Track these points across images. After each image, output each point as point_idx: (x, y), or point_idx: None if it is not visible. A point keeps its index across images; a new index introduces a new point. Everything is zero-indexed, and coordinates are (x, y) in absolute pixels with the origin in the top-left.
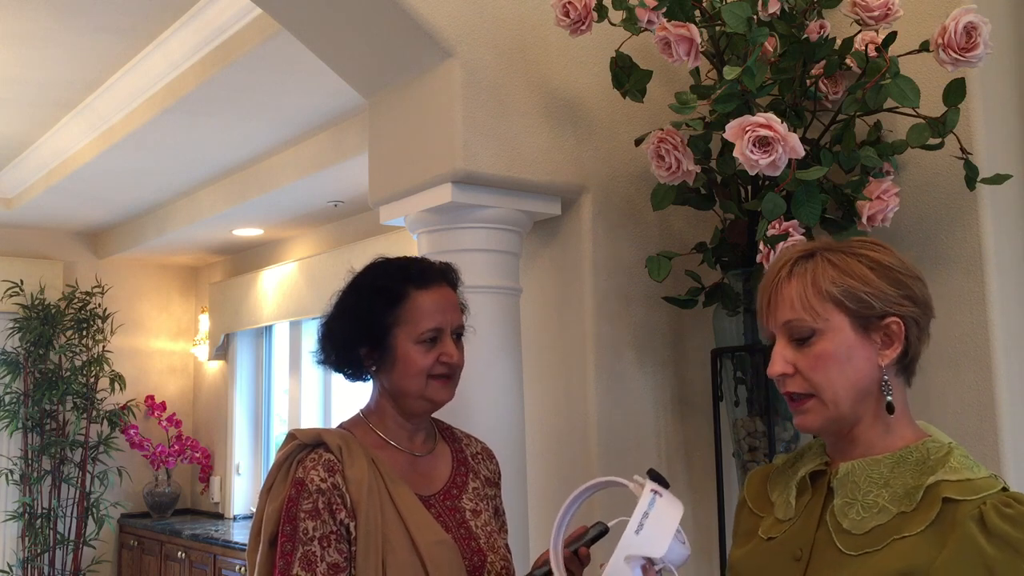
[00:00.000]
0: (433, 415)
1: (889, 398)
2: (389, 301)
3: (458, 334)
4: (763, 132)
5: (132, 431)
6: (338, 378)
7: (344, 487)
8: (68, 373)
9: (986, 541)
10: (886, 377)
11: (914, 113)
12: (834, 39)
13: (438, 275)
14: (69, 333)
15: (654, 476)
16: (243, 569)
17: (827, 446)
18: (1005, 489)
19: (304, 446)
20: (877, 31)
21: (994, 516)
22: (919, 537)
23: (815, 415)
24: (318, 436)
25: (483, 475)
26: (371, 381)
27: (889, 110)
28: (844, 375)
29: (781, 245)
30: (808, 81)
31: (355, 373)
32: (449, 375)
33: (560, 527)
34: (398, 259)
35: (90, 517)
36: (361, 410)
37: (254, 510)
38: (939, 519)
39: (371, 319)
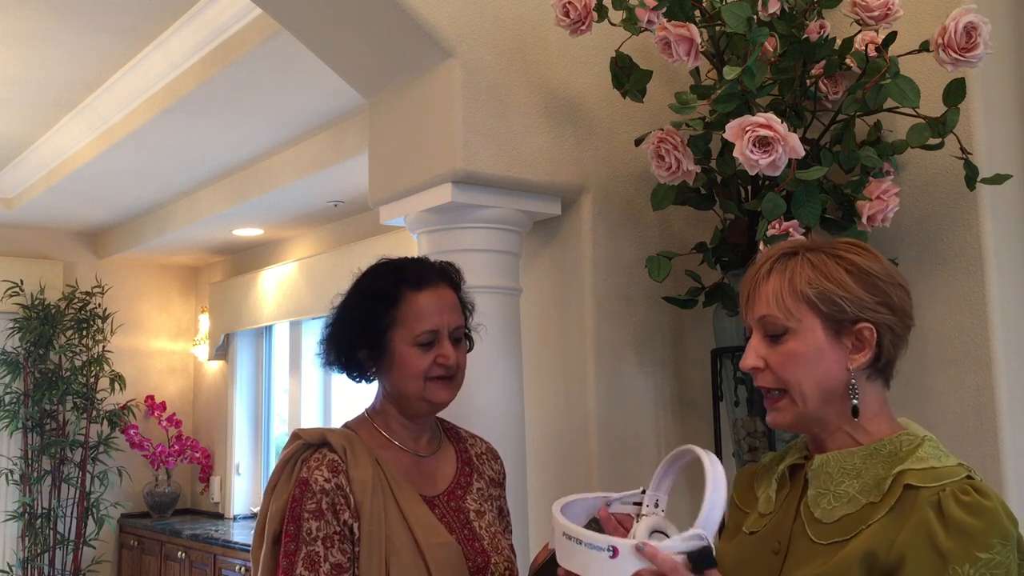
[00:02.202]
0: (438, 415)
1: (855, 402)
2: (384, 303)
3: (456, 336)
4: (763, 132)
5: (132, 431)
6: (338, 378)
7: (348, 487)
8: (68, 373)
9: (940, 527)
10: (854, 381)
11: (914, 113)
12: (834, 39)
13: (435, 275)
14: (69, 333)
15: (704, 558)
16: (243, 569)
17: (808, 442)
18: (970, 477)
19: (308, 445)
20: (877, 31)
21: (951, 503)
22: (881, 522)
23: (786, 413)
24: (322, 436)
25: (488, 475)
26: (376, 382)
27: (889, 110)
28: (811, 375)
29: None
30: (808, 81)
31: (359, 375)
32: (448, 376)
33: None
34: (396, 260)
35: (90, 517)
36: (366, 410)
37: (254, 510)
38: (899, 504)
39: (367, 322)
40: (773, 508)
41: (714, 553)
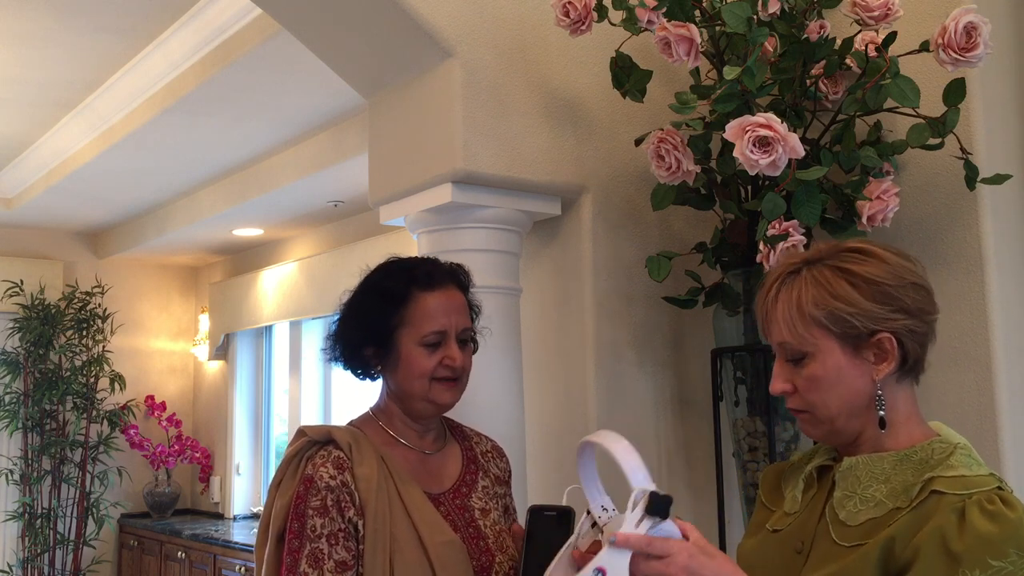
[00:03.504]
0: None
1: (882, 413)
2: (393, 302)
3: (463, 339)
4: (763, 132)
5: (132, 431)
6: (338, 378)
7: (353, 484)
8: (68, 373)
9: (957, 531)
10: (880, 392)
11: (914, 113)
12: (834, 39)
13: (445, 276)
14: (69, 333)
15: (657, 503)
16: (243, 569)
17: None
18: (1000, 488)
19: (314, 443)
20: (877, 31)
21: (974, 510)
22: (903, 519)
23: (812, 427)
24: (328, 433)
25: (493, 473)
26: (379, 380)
27: (889, 110)
28: (836, 395)
29: (781, 245)
30: (808, 81)
31: (364, 373)
32: (453, 378)
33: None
34: (407, 259)
35: (90, 517)
36: (371, 408)
37: (254, 510)
38: (923, 505)
39: (375, 320)
40: (799, 508)
41: (662, 493)
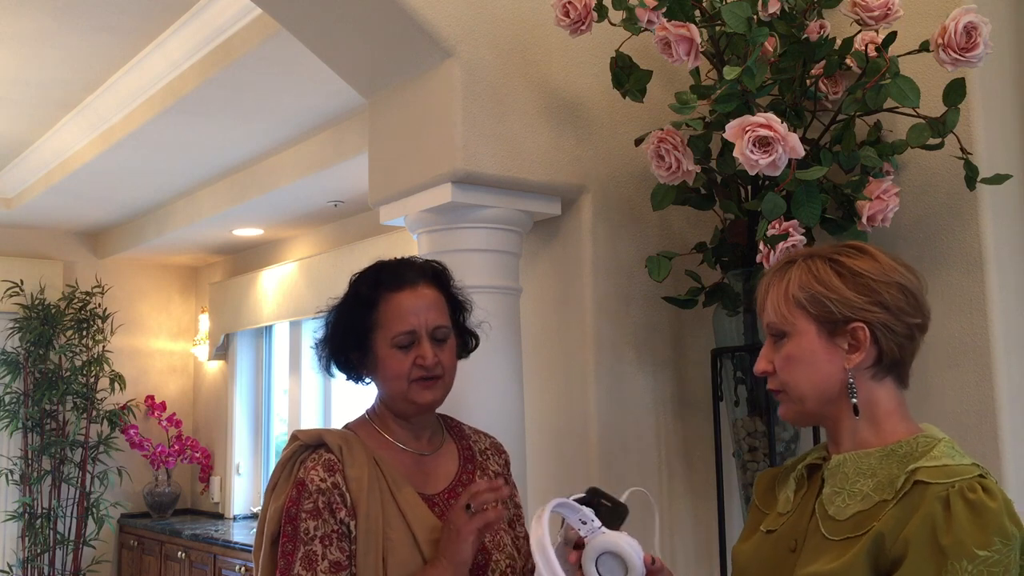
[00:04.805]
0: (442, 412)
1: (854, 401)
2: (365, 306)
3: (439, 336)
4: (763, 132)
5: (132, 431)
6: (338, 378)
7: (344, 486)
8: (68, 373)
9: (944, 523)
10: (851, 380)
11: (914, 113)
12: (834, 39)
13: (415, 274)
14: (69, 333)
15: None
16: (243, 569)
17: (827, 442)
18: (983, 477)
19: (306, 447)
20: (877, 31)
21: (958, 500)
22: (891, 512)
23: (786, 407)
24: (319, 436)
25: (492, 470)
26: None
27: (889, 110)
28: (806, 376)
29: (781, 245)
30: (808, 81)
31: (356, 377)
32: (430, 377)
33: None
34: (379, 262)
35: (90, 517)
36: (366, 411)
37: (254, 510)
38: (908, 496)
39: (352, 325)
40: (791, 508)
41: None
